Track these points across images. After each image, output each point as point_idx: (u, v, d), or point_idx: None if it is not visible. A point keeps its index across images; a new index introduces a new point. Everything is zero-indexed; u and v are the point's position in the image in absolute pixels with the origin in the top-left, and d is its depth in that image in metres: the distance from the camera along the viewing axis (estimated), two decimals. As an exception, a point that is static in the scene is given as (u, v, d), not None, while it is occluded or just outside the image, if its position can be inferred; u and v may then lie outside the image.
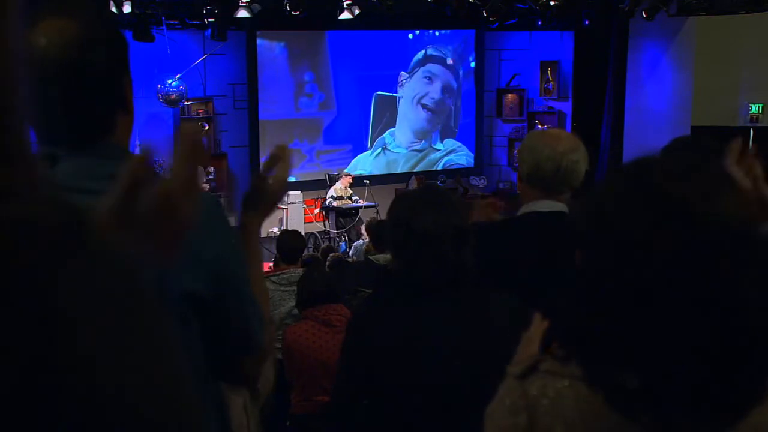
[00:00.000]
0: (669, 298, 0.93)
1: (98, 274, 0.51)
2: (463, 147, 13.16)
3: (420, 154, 12.76)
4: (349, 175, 10.75)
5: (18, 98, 0.53)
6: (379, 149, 12.43)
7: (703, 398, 0.95)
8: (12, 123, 0.52)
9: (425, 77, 12.46)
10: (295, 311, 4.39)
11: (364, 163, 12.21)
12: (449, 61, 12.59)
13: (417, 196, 1.96)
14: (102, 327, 0.49)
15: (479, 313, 1.84)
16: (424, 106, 12.50)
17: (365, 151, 12.29)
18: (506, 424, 1.04)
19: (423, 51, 12.41)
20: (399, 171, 12.50)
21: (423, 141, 12.66)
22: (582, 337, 1.01)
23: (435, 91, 12.57)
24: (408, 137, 12.57)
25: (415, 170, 12.64)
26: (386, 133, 12.42)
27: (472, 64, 13.00)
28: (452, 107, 12.87)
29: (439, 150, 12.91)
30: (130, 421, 0.50)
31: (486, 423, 1.07)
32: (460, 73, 12.84)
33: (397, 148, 12.56)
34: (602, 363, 0.98)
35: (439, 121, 12.76)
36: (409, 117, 12.47)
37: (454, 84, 12.79)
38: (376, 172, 12.08)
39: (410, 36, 12.34)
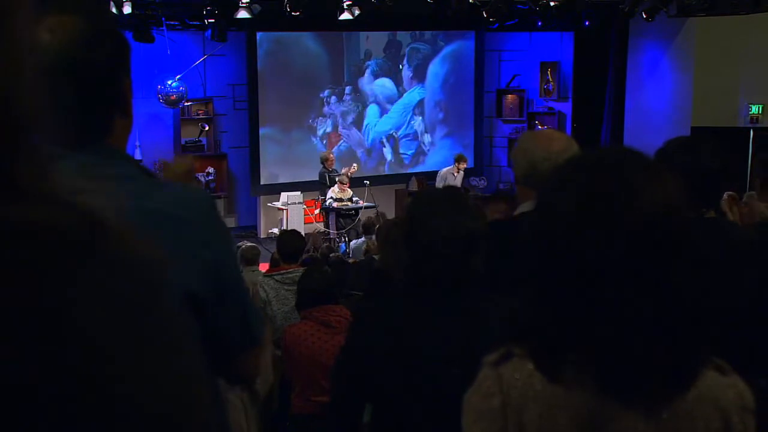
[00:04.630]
0: (600, 284, 1.02)
1: (115, 276, 0.50)
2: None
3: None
4: (344, 174, 10.68)
5: (33, 99, 0.52)
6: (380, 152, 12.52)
7: (642, 376, 1.03)
8: (28, 124, 0.52)
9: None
10: (299, 309, 4.39)
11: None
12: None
13: (437, 196, 1.93)
14: (118, 329, 0.49)
15: (480, 318, 1.82)
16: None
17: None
18: (482, 407, 1.11)
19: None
20: (386, 172, 12.58)
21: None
22: (531, 331, 1.11)
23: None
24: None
25: (406, 171, 12.72)
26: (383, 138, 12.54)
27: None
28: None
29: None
30: (144, 422, 0.50)
31: (464, 408, 1.14)
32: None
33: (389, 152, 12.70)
34: (549, 349, 1.08)
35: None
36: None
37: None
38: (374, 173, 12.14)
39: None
